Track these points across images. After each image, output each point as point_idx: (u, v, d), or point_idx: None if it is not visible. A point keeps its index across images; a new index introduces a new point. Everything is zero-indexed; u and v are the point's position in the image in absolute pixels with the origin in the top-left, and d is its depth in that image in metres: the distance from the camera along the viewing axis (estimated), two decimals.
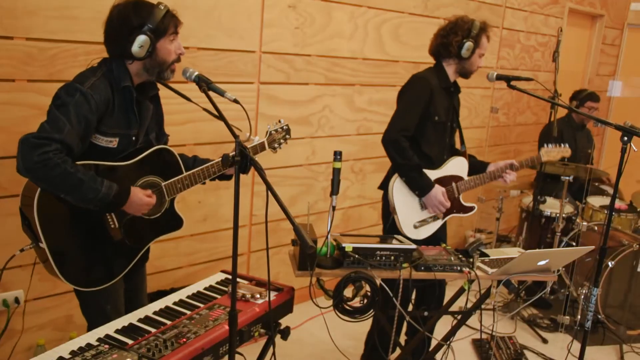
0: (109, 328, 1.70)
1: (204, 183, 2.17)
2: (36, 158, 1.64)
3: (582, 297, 3.50)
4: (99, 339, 1.62)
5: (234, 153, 1.57)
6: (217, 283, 2.08)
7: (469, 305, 2.34)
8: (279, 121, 2.31)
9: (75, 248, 1.84)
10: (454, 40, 2.57)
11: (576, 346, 3.13)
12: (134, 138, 1.93)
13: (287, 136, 2.33)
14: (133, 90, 1.88)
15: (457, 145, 2.82)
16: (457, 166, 2.71)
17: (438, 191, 2.57)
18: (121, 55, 1.85)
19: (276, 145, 2.29)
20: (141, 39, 1.80)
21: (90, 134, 1.80)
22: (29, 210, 1.75)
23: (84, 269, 1.87)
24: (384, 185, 2.68)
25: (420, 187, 2.57)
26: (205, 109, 2.01)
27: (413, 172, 2.56)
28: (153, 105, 2.03)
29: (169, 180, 2.00)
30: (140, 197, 1.87)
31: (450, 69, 2.66)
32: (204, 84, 1.77)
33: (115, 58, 1.87)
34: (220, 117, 1.67)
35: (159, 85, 2.06)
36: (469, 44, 2.56)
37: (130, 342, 1.61)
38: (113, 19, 1.83)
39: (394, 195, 2.58)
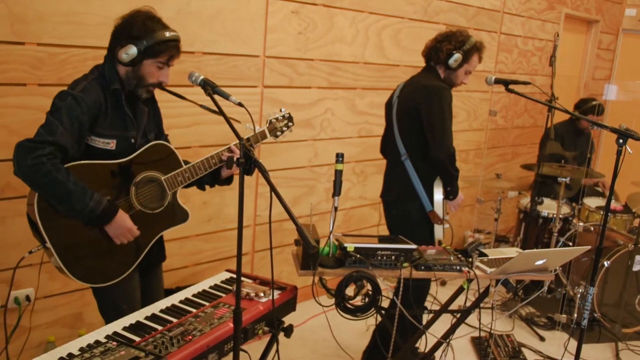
0: (117, 325, 1.72)
1: (204, 189, 2.18)
2: (30, 162, 1.66)
3: (579, 295, 3.52)
4: (107, 336, 1.63)
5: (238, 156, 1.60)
6: (222, 282, 2.09)
7: (468, 304, 2.37)
8: (280, 110, 2.30)
9: (80, 245, 1.84)
10: (446, 47, 2.60)
11: (573, 344, 3.16)
12: (132, 140, 1.94)
13: (290, 124, 2.31)
14: (122, 92, 1.90)
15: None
16: None
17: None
18: (111, 53, 1.90)
19: (278, 133, 2.27)
20: (130, 49, 1.84)
21: (84, 136, 1.82)
22: (32, 212, 1.77)
23: (92, 265, 1.87)
24: (408, 198, 2.67)
25: (456, 192, 2.64)
26: (202, 106, 1.99)
27: (457, 180, 2.62)
28: (149, 107, 2.05)
29: (169, 174, 2.00)
30: (125, 221, 1.87)
31: (440, 74, 2.70)
32: (209, 87, 1.79)
33: (108, 56, 1.92)
34: (220, 113, 1.68)
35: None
36: (457, 56, 2.59)
37: (137, 339, 1.63)
38: (125, 19, 1.88)
39: (443, 206, 2.64)
